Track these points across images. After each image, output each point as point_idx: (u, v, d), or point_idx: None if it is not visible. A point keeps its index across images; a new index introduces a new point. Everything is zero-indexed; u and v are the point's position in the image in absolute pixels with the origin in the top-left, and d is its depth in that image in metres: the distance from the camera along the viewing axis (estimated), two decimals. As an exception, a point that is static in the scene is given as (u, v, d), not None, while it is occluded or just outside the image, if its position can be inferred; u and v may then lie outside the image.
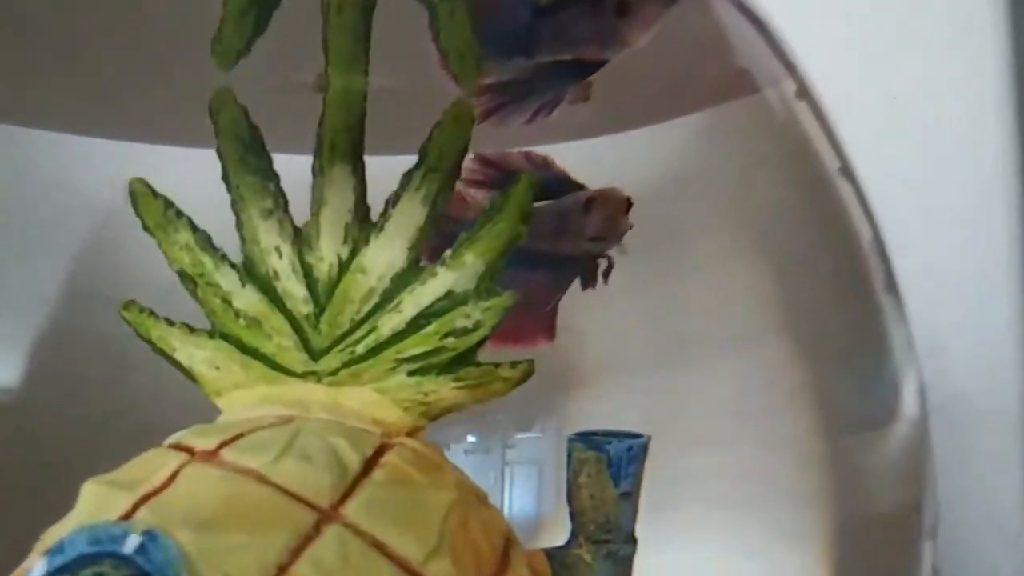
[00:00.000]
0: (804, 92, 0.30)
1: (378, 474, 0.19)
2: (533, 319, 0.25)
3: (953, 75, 0.51)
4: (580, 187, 0.26)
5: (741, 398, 0.28)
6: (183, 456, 0.19)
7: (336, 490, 0.18)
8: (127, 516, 0.17)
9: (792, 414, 0.28)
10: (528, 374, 0.22)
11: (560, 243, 0.26)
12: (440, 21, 0.22)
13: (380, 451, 0.20)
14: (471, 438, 0.27)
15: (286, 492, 0.18)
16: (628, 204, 0.26)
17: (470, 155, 0.22)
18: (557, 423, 0.28)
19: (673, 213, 0.28)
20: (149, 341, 0.22)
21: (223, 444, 0.19)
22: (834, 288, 0.30)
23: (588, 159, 0.26)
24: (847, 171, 0.30)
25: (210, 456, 0.19)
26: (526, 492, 0.28)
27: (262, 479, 0.18)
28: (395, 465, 0.20)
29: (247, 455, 0.19)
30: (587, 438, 0.24)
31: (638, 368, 0.27)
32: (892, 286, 0.30)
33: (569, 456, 0.24)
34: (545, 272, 0.26)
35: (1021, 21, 0.68)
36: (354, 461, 0.19)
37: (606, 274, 0.26)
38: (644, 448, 0.25)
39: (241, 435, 0.19)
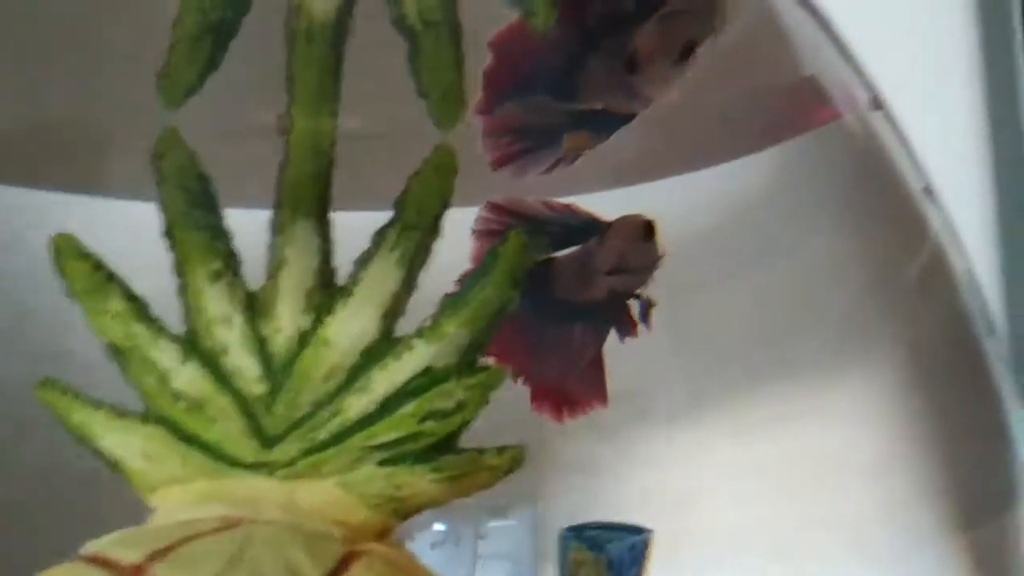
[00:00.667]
0: (878, 102, 0.27)
1: (343, 593, 0.16)
2: (581, 381, 0.22)
3: (925, 87, 0.49)
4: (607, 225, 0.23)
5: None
6: (103, 573, 0.15)
7: (292, 616, 0.15)
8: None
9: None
10: (517, 462, 0.19)
11: (585, 289, 0.23)
12: (422, 54, 0.19)
13: (345, 562, 0.17)
14: (438, 527, 0.24)
15: (230, 620, 0.15)
16: (648, 228, 0.22)
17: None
18: (536, 509, 0.25)
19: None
20: (69, 427, 0.18)
21: (153, 557, 0.16)
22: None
23: (638, 205, 0.23)
24: (930, 191, 0.26)
25: (136, 573, 0.15)
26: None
27: (200, 604, 0.15)
28: (363, 581, 0.16)
29: (183, 572, 0.15)
30: (582, 533, 0.21)
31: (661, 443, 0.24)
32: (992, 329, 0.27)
33: (564, 555, 0.21)
34: (579, 325, 0.23)
35: (990, 31, 0.68)
36: (314, 577, 0.16)
37: (645, 316, 0.23)
38: (647, 545, 0.22)
39: (176, 545, 0.16)
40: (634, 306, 0.22)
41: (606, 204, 0.22)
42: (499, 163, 0.21)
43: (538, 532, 0.23)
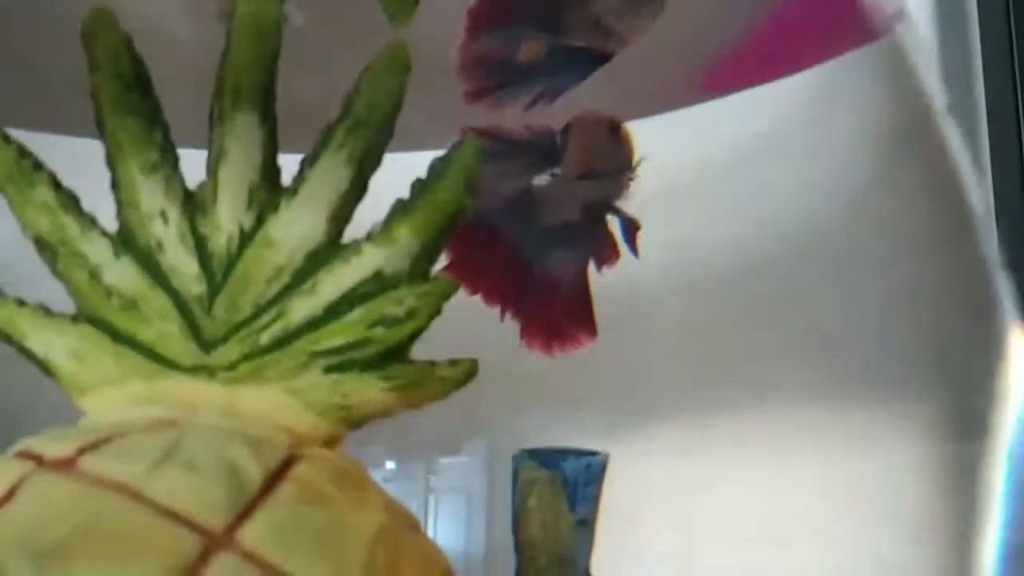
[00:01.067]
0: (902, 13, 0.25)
1: (285, 490, 0.15)
2: (567, 312, 0.21)
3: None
4: None
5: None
6: (27, 465, 0.14)
7: (230, 510, 0.14)
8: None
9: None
10: (471, 374, 0.19)
11: (561, 208, 0.22)
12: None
13: (288, 463, 0.16)
14: (390, 463, 0.23)
15: (163, 510, 0.14)
16: (613, 124, 0.21)
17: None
18: (489, 444, 0.24)
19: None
20: (-8, 325, 0.17)
21: (82, 451, 0.15)
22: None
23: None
24: (953, 108, 0.25)
25: (64, 465, 0.15)
26: (453, 525, 0.24)
27: (132, 494, 0.14)
28: (307, 481, 0.15)
29: (112, 464, 0.14)
30: (537, 454, 0.21)
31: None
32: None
33: (516, 476, 0.20)
34: (560, 252, 0.22)
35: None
36: (254, 474, 0.15)
37: (629, 237, 0.21)
38: (603, 467, 0.21)
39: (107, 440, 0.15)
40: (615, 225, 0.21)
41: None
42: (473, 96, 0.20)
43: (490, 466, 0.22)
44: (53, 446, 0.15)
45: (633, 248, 0.21)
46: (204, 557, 0.13)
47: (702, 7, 0.24)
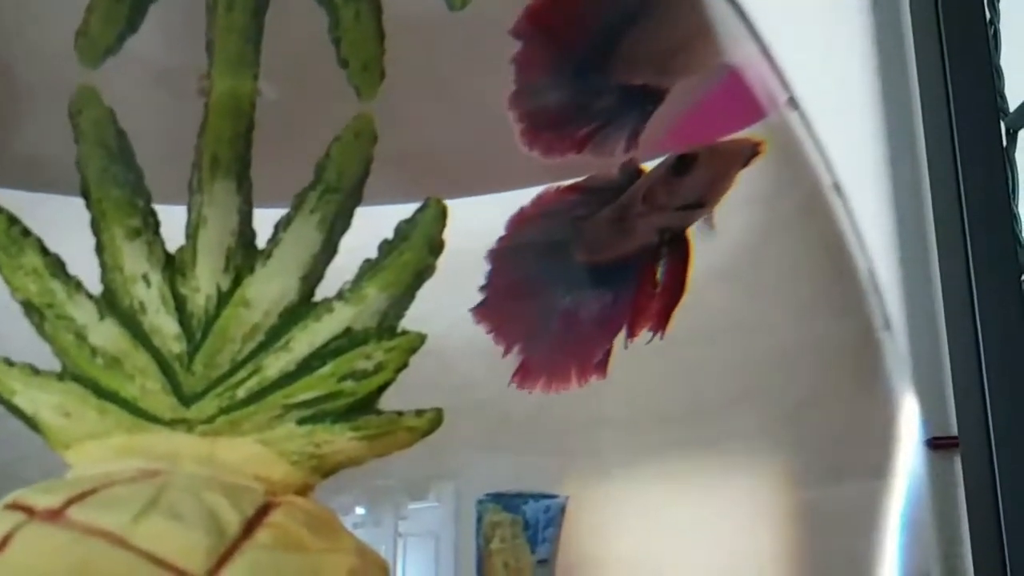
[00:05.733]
0: (794, 102, 0.27)
1: (263, 536, 0.16)
2: (583, 354, 0.22)
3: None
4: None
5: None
6: (19, 516, 0.15)
7: (211, 554, 0.15)
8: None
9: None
10: (436, 424, 0.20)
11: (620, 243, 0.22)
12: (342, 25, 0.20)
13: (264, 510, 0.17)
14: (359, 509, 0.24)
15: (148, 556, 0.15)
16: (755, 152, 0.22)
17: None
18: (456, 489, 0.25)
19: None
20: (-18, 383, 0.18)
21: (70, 502, 0.16)
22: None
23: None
24: (838, 187, 0.27)
25: (53, 516, 0.15)
26: (422, 568, 0.25)
27: (118, 541, 0.15)
28: (283, 526, 0.16)
29: (99, 513, 0.15)
30: (498, 498, 0.22)
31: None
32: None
33: (479, 520, 0.22)
34: (600, 289, 0.23)
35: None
36: (233, 521, 0.16)
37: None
38: (562, 509, 0.22)
39: (93, 491, 0.16)
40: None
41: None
42: (579, 146, 0.21)
43: (457, 510, 0.23)
44: (42, 498, 0.16)
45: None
46: (187, 600, 0.14)
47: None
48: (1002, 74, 0.66)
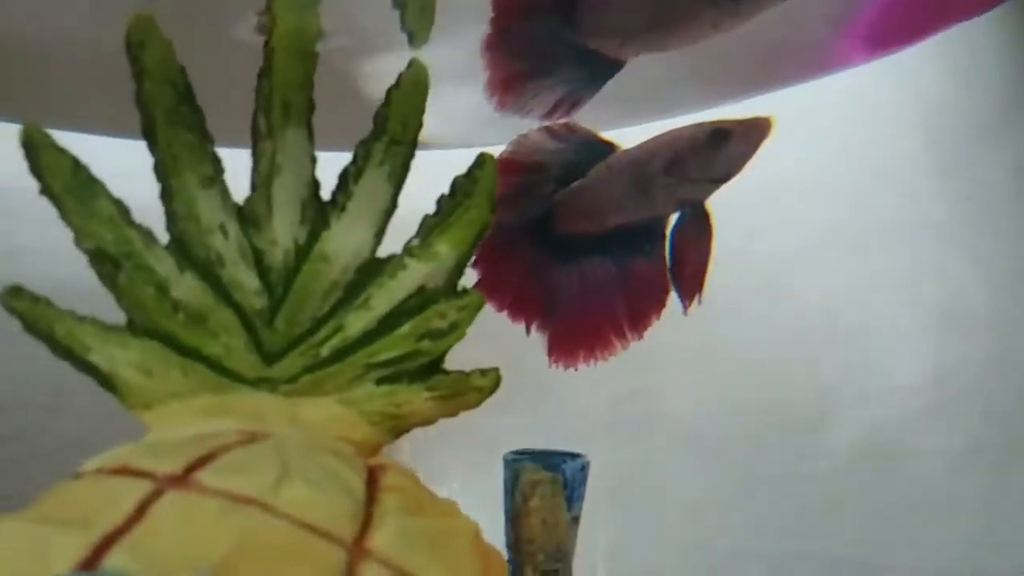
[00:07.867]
0: None
1: (388, 500, 0.16)
2: (606, 318, 0.22)
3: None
4: (610, 146, 0.23)
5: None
6: (144, 483, 0.14)
7: (355, 520, 0.15)
8: (89, 563, 0.13)
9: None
10: (498, 383, 0.20)
11: (630, 212, 0.23)
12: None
13: (373, 473, 0.16)
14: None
15: (299, 523, 0.14)
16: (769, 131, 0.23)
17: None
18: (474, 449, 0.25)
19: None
20: (50, 338, 0.16)
21: (192, 467, 0.15)
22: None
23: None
24: None
25: (179, 482, 0.14)
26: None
27: (268, 508, 0.14)
28: (403, 489, 0.16)
29: (235, 479, 0.14)
30: (537, 457, 0.22)
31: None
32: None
33: (514, 477, 0.22)
34: (593, 258, 0.23)
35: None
36: (358, 485, 0.16)
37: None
38: (587, 468, 0.23)
39: (212, 455, 0.15)
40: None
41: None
42: (499, 85, 0.21)
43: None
44: (156, 463, 0.15)
45: None
46: (351, 568, 0.14)
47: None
48: None
